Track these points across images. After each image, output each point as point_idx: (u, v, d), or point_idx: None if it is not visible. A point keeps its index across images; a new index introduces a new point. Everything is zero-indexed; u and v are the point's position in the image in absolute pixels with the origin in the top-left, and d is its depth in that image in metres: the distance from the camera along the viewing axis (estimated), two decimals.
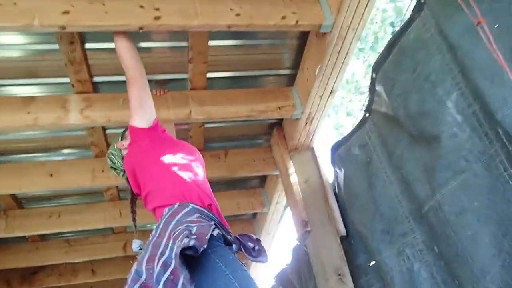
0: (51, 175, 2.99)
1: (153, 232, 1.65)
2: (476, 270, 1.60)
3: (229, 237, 1.75)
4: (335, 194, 2.79)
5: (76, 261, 4.39)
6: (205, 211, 1.76)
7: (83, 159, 3.12)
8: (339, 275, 2.57)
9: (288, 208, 3.77)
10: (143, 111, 2.00)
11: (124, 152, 2.11)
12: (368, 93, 2.26)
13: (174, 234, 1.53)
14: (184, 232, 1.49)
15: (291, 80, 2.84)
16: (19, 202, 3.47)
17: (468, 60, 1.54)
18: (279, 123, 3.17)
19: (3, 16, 1.85)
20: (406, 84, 1.87)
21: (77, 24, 1.92)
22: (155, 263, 1.41)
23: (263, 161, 3.40)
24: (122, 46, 2.02)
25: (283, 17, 2.15)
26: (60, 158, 3.09)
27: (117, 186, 3.45)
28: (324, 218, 2.74)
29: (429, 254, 1.91)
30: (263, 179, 3.89)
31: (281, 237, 4.50)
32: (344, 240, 2.65)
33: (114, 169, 2.20)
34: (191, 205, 1.75)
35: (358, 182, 2.38)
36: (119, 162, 2.14)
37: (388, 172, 2.09)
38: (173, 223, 1.63)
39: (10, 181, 2.98)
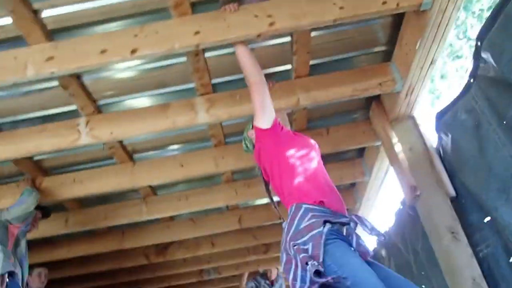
0: (182, 166, 3.47)
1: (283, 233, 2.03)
2: None
3: (343, 219, 2.00)
4: (441, 159, 2.96)
5: (198, 236, 4.96)
6: (316, 207, 2.01)
7: (205, 149, 3.56)
8: (453, 233, 2.76)
9: (387, 175, 4.00)
10: (264, 113, 2.30)
11: (253, 141, 2.45)
12: (472, 60, 2.38)
13: (295, 246, 1.87)
14: (304, 256, 1.81)
15: (387, 56, 3.01)
16: (154, 190, 4.03)
17: None
18: (376, 96, 3.35)
19: (148, 45, 2.24)
20: None
21: (207, 41, 2.26)
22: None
23: (363, 133, 3.62)
24: (243, 55, 2.32)
25: (384, 2, 2.30)
26: (187, 150, 3.56)
27: (231, 171, 3.86)
28: (432, 182, 2.92)
29: None
30: (361, 150, 4.12)
31: (381, 203, 4.70)
32: (454, 201, 2.84)
33: (248, 151, 2.56)
34: (303, 207, 2.01)
35: (467, 145, 2.54)
36: (252, 146, 2.49)
37: (499, 134, 2.22)
38: (292, 229, 1.96)
39: (149, 174, 3.50)
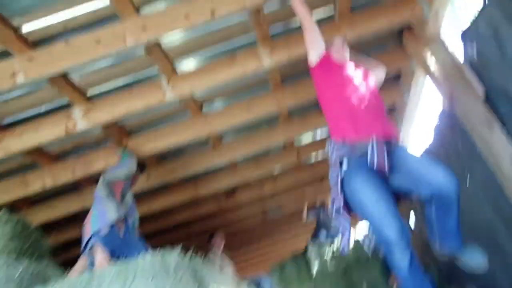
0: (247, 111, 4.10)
1: None
2: None
3: (363, 149, 2.55)
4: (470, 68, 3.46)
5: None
6: (341, 144, 2.61)
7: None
8: (489, 127, 3.28)
9: (422, 96, 4.50)
10: (312, 50, 2.87)
11: None
12: None
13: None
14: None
15: None
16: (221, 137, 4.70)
17: None
18: (406, 26, 3.82)
19: (225, 5, 2.81)
20: None
21: None
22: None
23: (397, 60, 4.14)
24: (297, 5, 2.87)
25: None
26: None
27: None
28: (464, 87, 3.43)
29: None
30: (397, 77, 4.62)
31: (419, 122, 5.22)
32: (486, 100, 3.35)
33: None
34: (332, 144, 2.67)
35: (490, 52, 3.03)
36: None
37: None
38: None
39: (219, 122, 4.17)
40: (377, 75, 3.11)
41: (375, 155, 2.49)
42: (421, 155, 2.58)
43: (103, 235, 3.55)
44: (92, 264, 3.52)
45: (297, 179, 5.94)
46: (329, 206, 6.52)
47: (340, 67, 2.89)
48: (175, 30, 2.91)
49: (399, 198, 2.66)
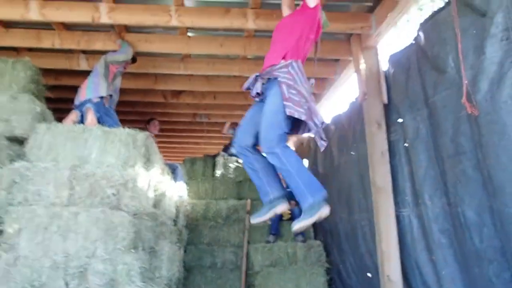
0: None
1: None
2: None
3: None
4: (385, 79, 4.92)
5: (206, 90, 6.87)
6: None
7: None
8: (378, 124, 4.83)
9: (349, 80, 5.96)
10: None
11: None
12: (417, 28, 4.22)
13: None
14: None
15: (371, 9, 4.76)
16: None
17: None
18: None
19: None
20: None
21: None
22: None
23: (342, 50, 5.46)
24: None
25: None
26: None
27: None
28: (376, 91, 4.91)
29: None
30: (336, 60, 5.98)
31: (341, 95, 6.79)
32: (385, 106, 4.87)
33: None
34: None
35: (399, 77, 4.50)
36: None
37: (417, 77, 4.20)
38: None
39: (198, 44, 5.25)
40: None
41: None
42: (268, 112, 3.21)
43: (94, 102, 4.69)
44: (81, 120, 4.67)
45: (234, 101, 7.26)
46: None
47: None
48: None
49: None
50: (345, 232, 6.04)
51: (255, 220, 3.31)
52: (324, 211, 3.01)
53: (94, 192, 3.94)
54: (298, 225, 3.08)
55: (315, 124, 3.19)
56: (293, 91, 3.17)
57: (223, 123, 8.62)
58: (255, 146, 3.37)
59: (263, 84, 3.35)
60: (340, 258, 6.37)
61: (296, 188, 3.09)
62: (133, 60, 5.31)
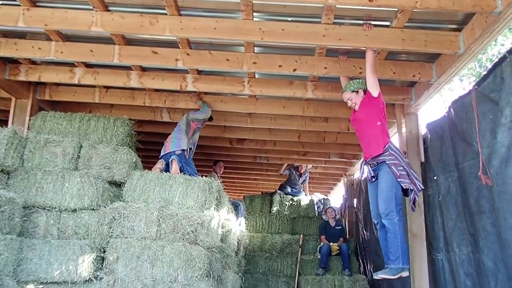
0: None
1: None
2: None
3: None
4: (424, 142, 5.65)
5: (267, 139, 7.86)
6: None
7: None
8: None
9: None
10: (376, 87, 4.47)
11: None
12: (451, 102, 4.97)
13: None
14: None
15: (412, 84, 5.56)
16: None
17: None
18: None
19: None
20: None
21: None
22: None
23: (388, 113, 6.23)
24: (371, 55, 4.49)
25: None
26: None
27: None
28: (414, 151, 5.65)
29: None
30: None
31: None
32: (422, 164, 5.59)
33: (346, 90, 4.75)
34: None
35: (435, 143, 5.23)
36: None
37: (451, 149, 4.92)
38: None
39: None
40: None
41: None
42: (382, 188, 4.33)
43: (177, 154, 5.75)
44: (166, 169, 5.73)
45: (289, 147, 8.20)
46: (303, 171, 8.89)
47: None
48: None
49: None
50: None
51: (378, 276, 4.38)
52: (405, 274, 4.19)
53: (176, 229, 4.91)
54: (381, 275, 4.28)
55: (417, 189, 4.30)
56: (400, 168, 4.26)
57: (281, 164, 9.55)
58: None
59: (372, 169, 4.45)
60: None
61: (394, 249, 4.17)
62: (210, 118, 6.36)
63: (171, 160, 5.75)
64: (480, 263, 4.26)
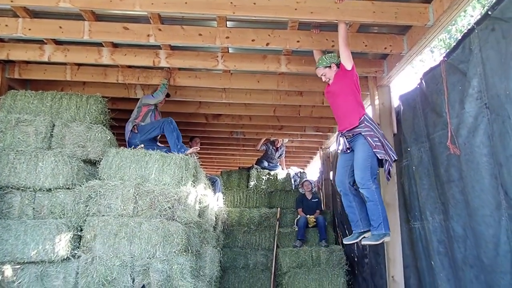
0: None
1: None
2: None
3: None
4: (397, 114, 5.76)
5: (245, 114, 7.86)
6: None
7: None
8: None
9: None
10: (350, 60, 4.47)
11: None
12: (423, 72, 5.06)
13: None
14: None
15: (384, 56, 5.63)
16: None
17: None
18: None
19: None
20: None
21: None
22: None
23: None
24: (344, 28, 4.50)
25: None
26: None
27: None
28: (387, 123, 5.76)
29: None
30: None
31: None
32: (396, 136, 5.71)
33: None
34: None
35: (407, 114, 5.34)
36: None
37: (422, 119, 5.03)
38: None
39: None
40: None
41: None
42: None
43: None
44: None
45: (265, 122, 8.23)
46: (279, 145, 8.98)
47: None
48: None
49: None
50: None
51: (348, 241, 4.62)
52: (387, 239, 4.35)
53: (153, 206, 4.93)
54: (366, 242, 4.44)
55: (391, 160, 4.37)
56: (375, 139, 4.32)
57: (258, 139, 9.59)
58: (354, 185, 4.54)
59: (348, 140, 4.52)
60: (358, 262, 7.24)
61: (376, 216, 4.29)
62: (167, 95, 6.35)
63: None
64: (450, 230, 4.42)
